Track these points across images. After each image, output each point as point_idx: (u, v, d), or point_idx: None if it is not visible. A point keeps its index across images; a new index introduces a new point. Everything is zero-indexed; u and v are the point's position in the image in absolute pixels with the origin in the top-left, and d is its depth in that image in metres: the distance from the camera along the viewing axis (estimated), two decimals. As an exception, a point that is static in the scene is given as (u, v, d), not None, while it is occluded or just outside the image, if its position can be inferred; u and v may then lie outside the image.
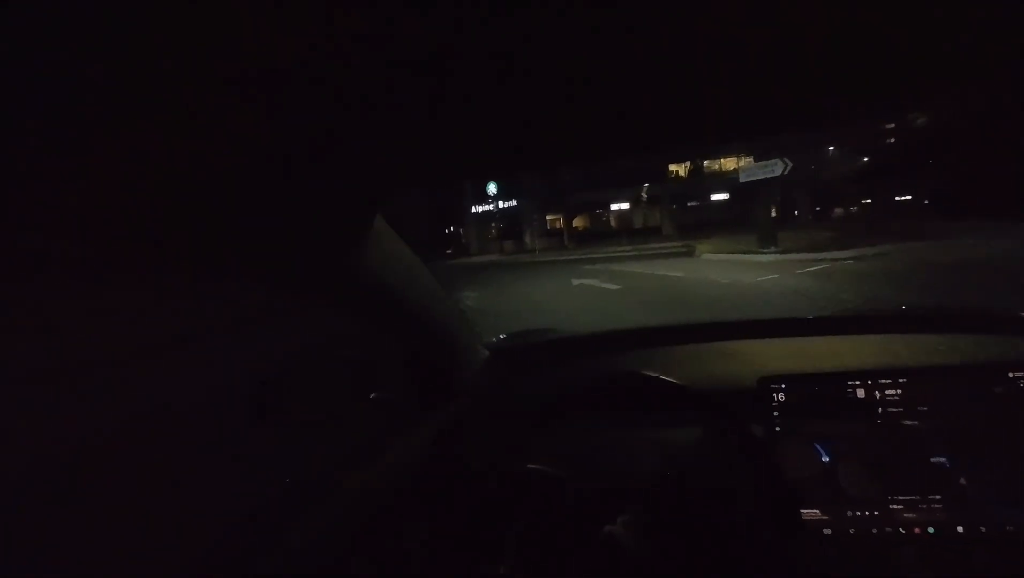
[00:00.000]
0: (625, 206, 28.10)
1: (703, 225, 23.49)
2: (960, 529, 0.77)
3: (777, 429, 0.86)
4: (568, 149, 0.50)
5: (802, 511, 0.82)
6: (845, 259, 9.54)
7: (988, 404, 0.81)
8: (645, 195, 25.58)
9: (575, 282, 10.23)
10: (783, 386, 0.87)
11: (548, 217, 29.49)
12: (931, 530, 0.78)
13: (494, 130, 0.43)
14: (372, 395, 0.88)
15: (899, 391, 0.84)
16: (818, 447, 0.84)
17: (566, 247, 26.26)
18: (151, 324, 0.61)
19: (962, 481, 0.79)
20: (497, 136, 0.45)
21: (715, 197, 27.06)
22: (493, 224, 32.47)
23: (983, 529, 0.77)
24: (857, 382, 0.85)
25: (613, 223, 28.86)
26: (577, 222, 29.31)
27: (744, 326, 1.11)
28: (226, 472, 0.74)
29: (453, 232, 37.34)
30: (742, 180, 13.74)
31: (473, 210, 32.64)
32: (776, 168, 12.26)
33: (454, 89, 0.35)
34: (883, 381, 0.84)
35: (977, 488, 0.78)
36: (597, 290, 8.78)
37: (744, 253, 12.14)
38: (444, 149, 0.46)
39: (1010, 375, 0.80)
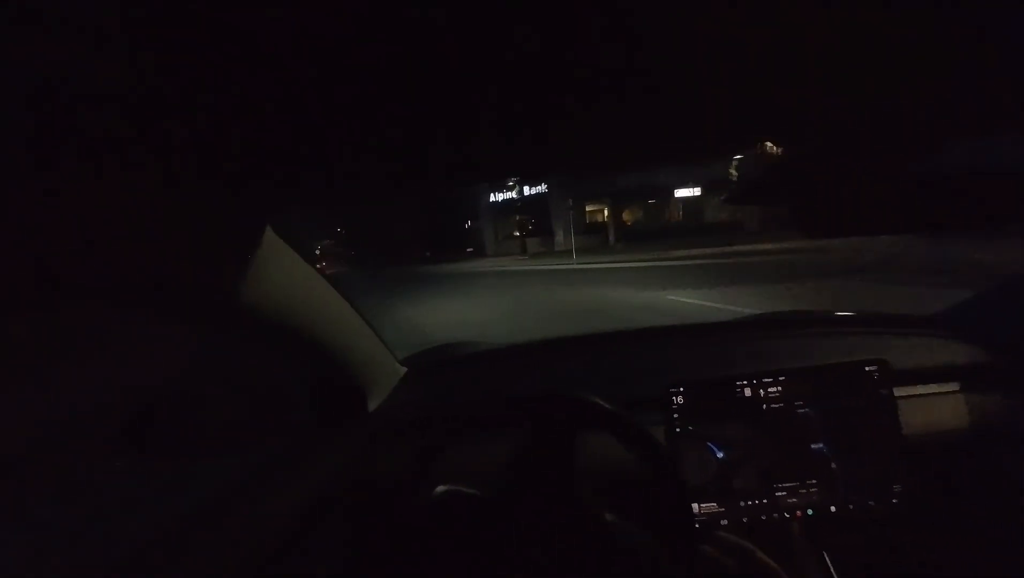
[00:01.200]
0: (695, 192, 20.82)
1: (782, 218, 16.22)
2: (833, 509, 0.89)
3: (677, 431, 0.92)
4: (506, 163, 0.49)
5: (701, 505, 0.90)
6: None
7: (851, 396, 0.92)
8: (735, 173, 18.33)
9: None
10: (681, 391, 0.93)
11: (588, 208, 22.65)
12: (810, 512, 0.89)
13: (407, 138, 0.40)
14: (273, 419, 0.85)
15: (780, 389, 0.92)
16: (712, 445, 0.91)
17: (612, 248, 19.48)
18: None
19: (833, 466, 0.89)
20: (412, 145, 0.42)
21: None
22: (516, 217, 25.90)
23: (851, 507, 0.88)
24: (744, 383, 0.92)
25: (676, 216, 21.71)
26: (627, 215, 22.30)
27: (652, 333, 1.22)
28: (92, 514, 0.66)
29: (472, 227, 31.05)
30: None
31: (491, 199, 25.99)
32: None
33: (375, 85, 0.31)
34: (766, 380, 0.92)
35: (846, 471, 0.89)
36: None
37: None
38: (349, 160, 0.43)
39: (866, 369, 0.92)
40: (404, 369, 1.08)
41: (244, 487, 0.76)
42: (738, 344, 1.11)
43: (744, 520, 0.89)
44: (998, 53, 0.35)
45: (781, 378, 0.92)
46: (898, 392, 0.92)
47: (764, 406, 0.92)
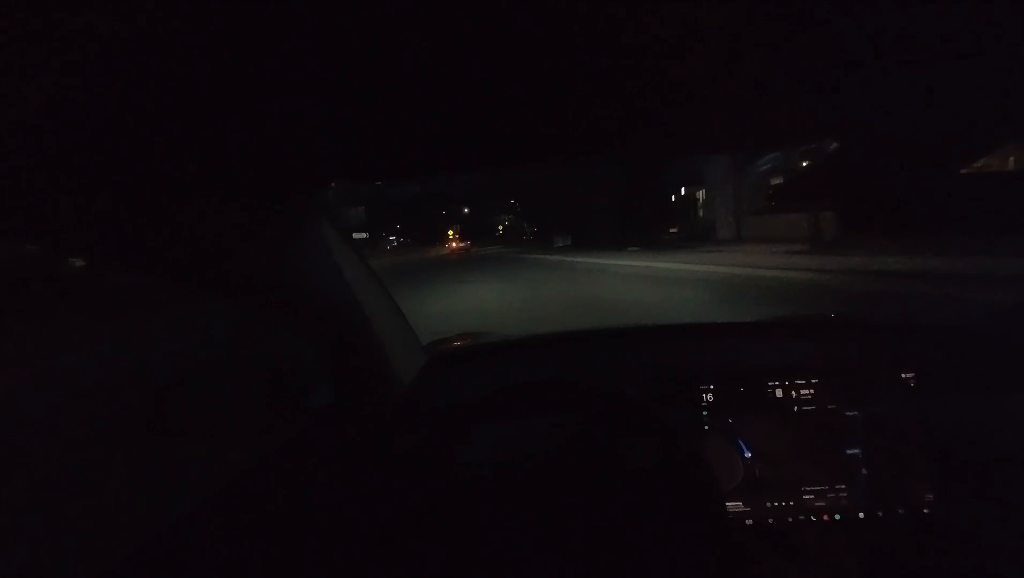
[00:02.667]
0: None
1: None
2: (861, 514, 0.88)
3: (705, 428, 0.91)
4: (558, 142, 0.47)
5: (727, 503, 0.89)
6: None
7: (884, 401, 0.90)
8: None
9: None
10: (711, 387, 0.92)
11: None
12: (837, 517, 0.88)
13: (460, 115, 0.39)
14: (296, 399, 0.83)
15: (812, 391, 0.91)
16: (741, 443, 0.90)
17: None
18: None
19: (863, 471, 0.88)
20: (469, 122, 0.41)
21: None
22: (772, 180, 15.92)
23: (879, 513, 0.88)
24: (776, 382, 0.92)
25: None
26: None
27: (676, 330, 1.19)
28: (119, 493, 0.66)
29: (687, 195, 21.74)
30: None
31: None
32: None
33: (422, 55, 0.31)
34: (798, 382, 0.92)
35: (875, 477, 0.88)
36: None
37: None
38: (402, 134, 0.42)
39: (902, 376, 0.91)
40: (427, 355, 1.07)
41: (266, 469, 0.75)
42: (770, 344, 1.10)
43: (770, 521, 0.89)
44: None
45: (814, 381, 0.91)
46: (934, 399, 0.91)
47: (795, 408, 0.91)
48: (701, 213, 19.34)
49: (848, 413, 0.91)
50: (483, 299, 7.86)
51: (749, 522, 0.89)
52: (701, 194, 19.47)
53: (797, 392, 0.92)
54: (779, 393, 0.92)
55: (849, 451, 0.90)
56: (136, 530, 0.62)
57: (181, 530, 0.63)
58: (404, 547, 0.82)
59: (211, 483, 0.72)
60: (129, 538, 0.61)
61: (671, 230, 21.54)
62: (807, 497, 0.89)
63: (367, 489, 0.85)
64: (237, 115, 0.36)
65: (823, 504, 0.89)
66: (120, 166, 0.39)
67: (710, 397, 0.92)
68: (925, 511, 0.88)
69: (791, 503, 0.89)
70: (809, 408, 0.91)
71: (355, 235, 43.54)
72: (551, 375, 0.91)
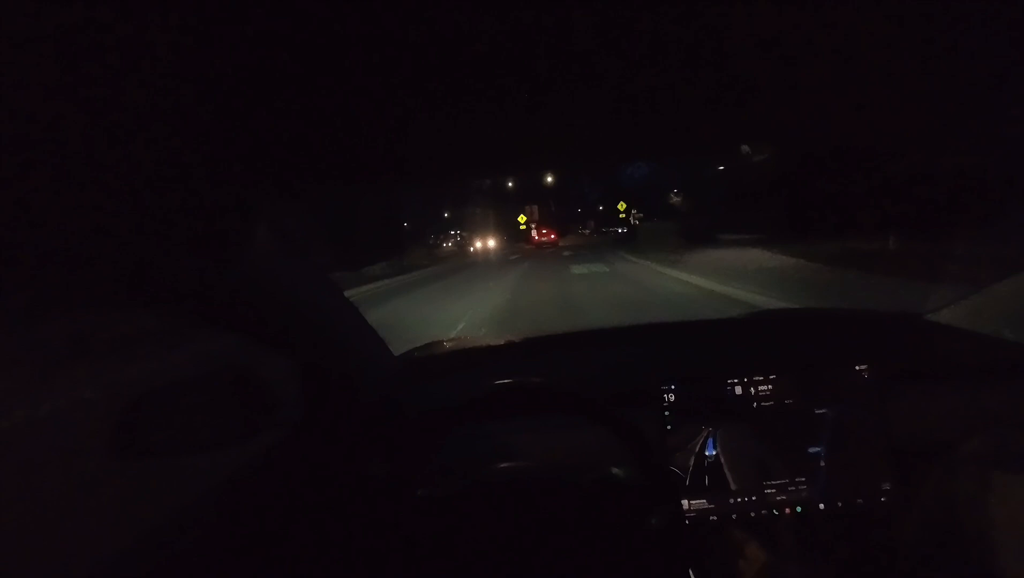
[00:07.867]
0: None
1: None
2: (821, 506, 0.89)
3: (668, 428, 0.91)
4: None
5: (691, 502, 0.90)
6: None
7: (841, 395, 0.92)
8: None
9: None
10: (673, 387, 0.92)
11: None
12: (798, 509, 0.89)
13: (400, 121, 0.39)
14: (264, 413, 0.81)
15: (770, 387, 0.92)
16: (705, 441, 0.92)
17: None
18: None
19: (823, 464, 0.90)
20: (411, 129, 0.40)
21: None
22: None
23: (839, 504, 0.89)
24: (735, 380, 0.93)
25: None
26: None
27: (644, 330, 1.24)
28: (85, 515, 0.71)
29: None
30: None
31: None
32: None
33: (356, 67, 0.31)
34: (757, 378, 0.93)
35: (835, 469, 0.90)
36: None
37: None
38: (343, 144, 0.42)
39: (856, 369, 0.92)
40: (399, 363, 1.08)
41: (236, 483, 0.76)
42: (730, 342, 1.14)
43: (733, 516, 0.90)
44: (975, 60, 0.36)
45: (772, 377, 0.92)
46: (888, 391, 0.92)
47: (755, 404, 0.92)
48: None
49: (805, 407, 0.92)
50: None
51: (713, 519, 0.90)
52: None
53: (756, 389, 0.92)
54: (739, 390, 0.92)
55: (808, 444, 0.91)
56: (110, 549, 0.62)
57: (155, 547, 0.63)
58: (376, 553, 0.82)
59: (182, 500, 0.71)
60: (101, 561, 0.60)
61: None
62: (768, 492, 0.90)
63: (339, 501, 0.84)
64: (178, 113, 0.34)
65: (784, 498, 0.90)
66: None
67: (671, 397, 0.92)
68: (883, 500, 0.89)
69: (754, 498, 0.90)
70: (768, 404, 0.92)
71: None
72: (517, 380, 0.91)
